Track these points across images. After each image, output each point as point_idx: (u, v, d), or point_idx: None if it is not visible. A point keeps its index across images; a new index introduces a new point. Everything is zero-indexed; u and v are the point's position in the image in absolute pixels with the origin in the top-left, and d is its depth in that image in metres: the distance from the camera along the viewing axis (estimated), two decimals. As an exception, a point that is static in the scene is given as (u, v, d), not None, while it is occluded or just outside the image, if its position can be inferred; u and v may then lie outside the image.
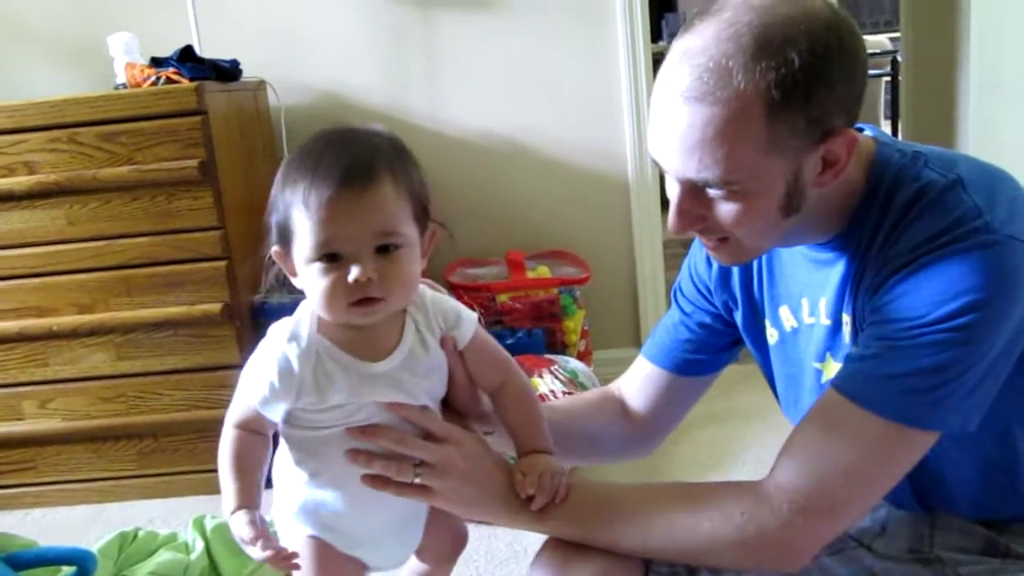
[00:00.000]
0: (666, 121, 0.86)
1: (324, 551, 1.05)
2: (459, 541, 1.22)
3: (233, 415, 1.01)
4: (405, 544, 1.12)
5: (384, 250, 0.91)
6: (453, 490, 0.98)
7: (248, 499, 0.98)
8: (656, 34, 4.51)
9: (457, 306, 1.05)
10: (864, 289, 0.93)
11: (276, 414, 0.99)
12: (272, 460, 1.10)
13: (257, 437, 1.02)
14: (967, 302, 0.82)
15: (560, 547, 1.01)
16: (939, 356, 0.83)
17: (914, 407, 0.84)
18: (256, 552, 0.95)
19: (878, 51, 5.43)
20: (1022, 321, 0.85)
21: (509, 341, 2.44)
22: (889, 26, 6.45)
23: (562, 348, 2.49)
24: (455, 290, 2.56)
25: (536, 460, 1.01)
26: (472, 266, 2.65)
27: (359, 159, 0.91)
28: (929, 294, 0.84)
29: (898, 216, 0.90)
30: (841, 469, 0.85)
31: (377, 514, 1.05)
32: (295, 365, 0.96)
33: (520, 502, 0.98)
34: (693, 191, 0.89)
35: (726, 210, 0.88)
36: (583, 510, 0.99)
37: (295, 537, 1.06)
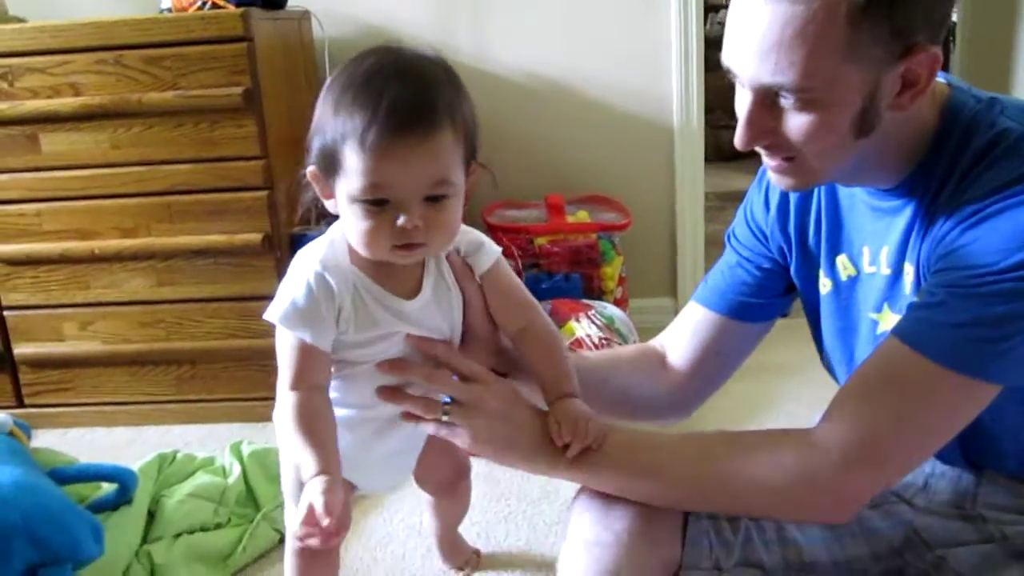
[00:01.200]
0: (744, 21, 0.84)
1: None
2: (460, 471, 1.25)
3: (286, 375, 0.98)
4: (397, 470, 1.15)
5: (434, 199, 0.91)
6: (484, 429, 0.97)
7: (327, 465, 0.92)
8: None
9: (480, 236, 1.05)
10: (930, 237, 0.90)
11: (327, 342, 0.97)
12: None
13: (319, 395, 0.98)
14: None
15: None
16: (1006, 306, 0.81)
17: (977, 357, 0.82)
18: (300, 531, 0.88)
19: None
20: None
21: (546, 285, 2.43)
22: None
23: (599, 294, 2.48)
24: (493, 231, 2.54)
25: (569, 405, 1.00)
26: (511, 208, 2.63)
27: (422, 98, 0.88)
28: (999, 242, 0.82)
29: (971, 163, 0.87)
30: (897, 419, 0.84)
31: (377, 444, 1.07)
32: (335, 286, 0.96)
33: (555, 448, 0.97)
34: (765, 100, 0.87)
35: (798, 122, 0.86)
36: (622, 457, 0.97)
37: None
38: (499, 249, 1.06)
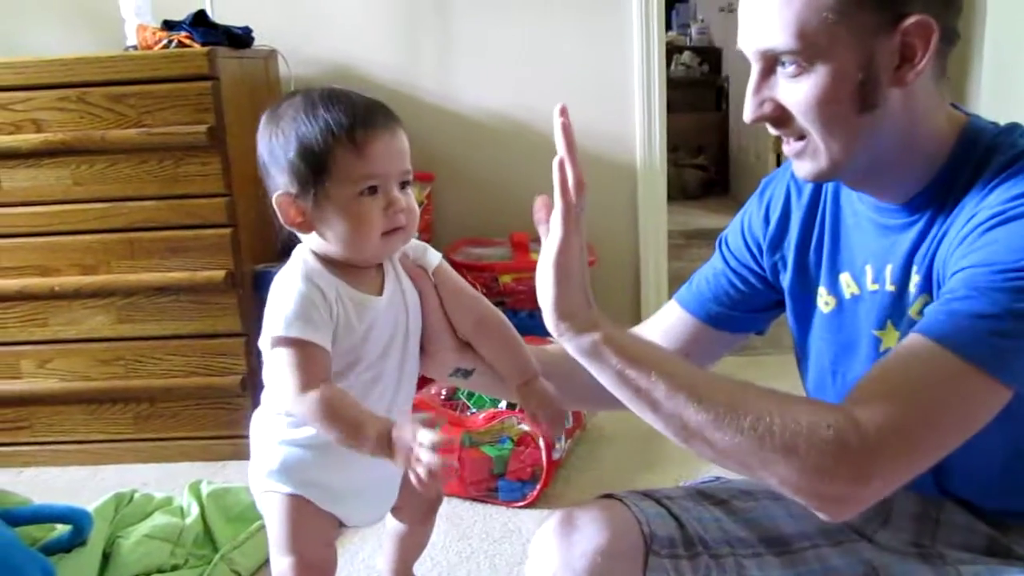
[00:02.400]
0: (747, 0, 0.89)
1: (303, 508, 1.07)
2: (436, 500, 1.25)
3: (297, 382, 0.98)
4: (383, 500, 1.16)
5: (403, 185, 1.03)
6: None
7: (378, 418, 0.95)
8: (667, 24, 4.49)
9: (421, 242, 1.14)
10: (946, 244, 0.90)
11: (328, 341, 1.00)
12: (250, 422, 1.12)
13: (332, 384, 1.00)
14: None
15: (564, 521, 1.00)
16: None
17: (997, 353, 0.80)
18: (425, 455, 0.89)
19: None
20: None
21: (512, 322, 2.44)
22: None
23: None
24: (458, 269, 2.54)
25: (536, 387, 1.07)
26: (476, 246, 2.65)
27: (380, 104, 1.03)
28: (1021, 241, 0.82)
29: (993, 175, 0.89)
30: (921, 408, 0.81)
31: (360, 469, 1.07)
32: (323, 290, 1.01)
33: None
34: (766, 71, 0.89)
35: (796, 88, 0.87)
36: (663, 363, 0.89)
37: (271, 500, 1.07)
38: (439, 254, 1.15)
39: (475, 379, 1.16)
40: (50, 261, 2.19)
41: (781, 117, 0.91)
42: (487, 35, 2.69)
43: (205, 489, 1.80)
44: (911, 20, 0.84)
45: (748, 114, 0.92)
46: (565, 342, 0.90)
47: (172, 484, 2.10)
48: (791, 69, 0.87)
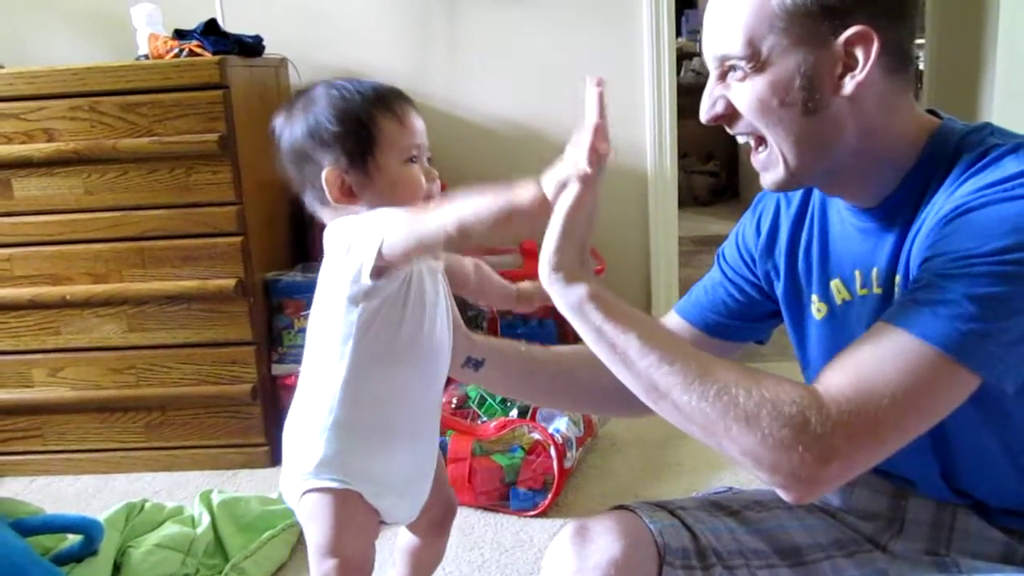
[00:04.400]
0: (708, 11, 0.96)
1: (351, 503, 1.08)
2: (450, 510, 1.29)
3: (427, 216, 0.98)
4: (420, 495, 1.18)
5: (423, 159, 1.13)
6: None
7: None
8: (677, 30, 4.48)
9: None
10: (920, 238, 0.92)
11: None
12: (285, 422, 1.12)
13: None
14: (1022, 239, 0.82)
15: (577, 532, 1.00)
16: (989, 288, 0.81)
17: (959, 337, 0.81)
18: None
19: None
20: None
21: (520, 330, 2.43)
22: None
23: (573, 339, 2.47)
24: (468, 277, 2.55)
25: (527, 289, 1.18)
26: (486, 253, 2.63)
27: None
28: (984, 229, 0.83)
29: (961, 172, 0.91)
30: (887, 390, 0.82)
31: (405, 457, 1.12)
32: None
33: None
34: (721, 75, 0.95)
35: (743, 89, 0.93)
36: (640, 326, 0.90)
37: (315, 500, 1.07)
38: None
39: (486, 371, 1.20)
40: (62, 270, 2.20)
41: (732, 115, 0.96)
42: (497, 42, 2.69)
43: (216, 498, 1.79)
44: (852, 30, 0.88)
45: (703, 113, 0.98)
46: (553, 292, 0.92)
47: (183, 493, 2.11)
48: (740, 73, 0.93)
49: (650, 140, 2.71)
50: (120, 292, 2.19)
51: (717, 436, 0.85)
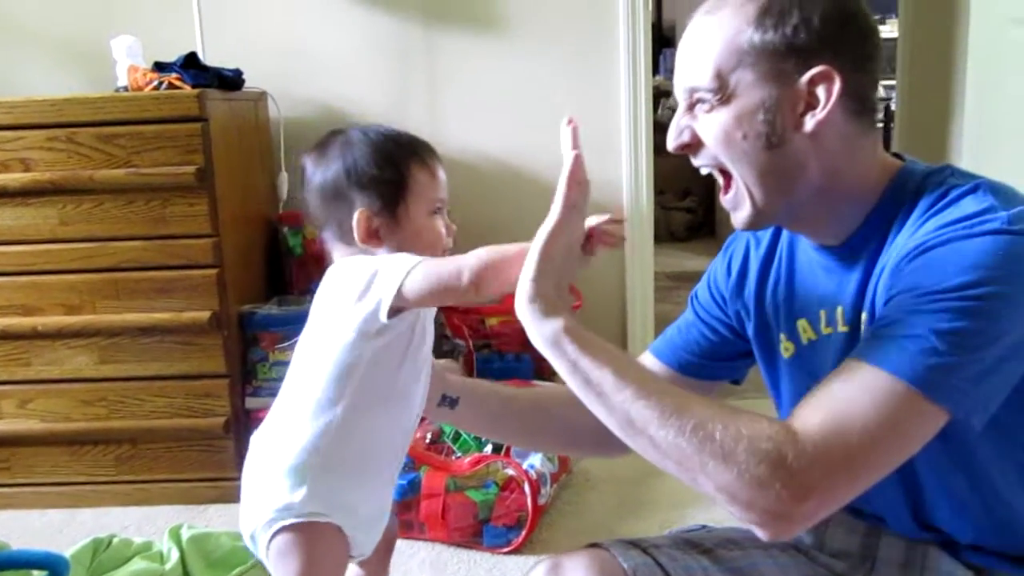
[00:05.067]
0: (680, 45, 0.98)
1: (329, 536, 1.08)
2: (394, 538, 1.32)
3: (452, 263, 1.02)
4: (381, 529, 1.19)
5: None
6: None
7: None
8: (654, 68, 4.55)
9: None
10: (884, 276, 0.93)
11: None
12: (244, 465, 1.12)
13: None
14: (984, 276, 0.83)
15: (551, 570, 1.00)
16: (952, 323, 0.82)
17: (925, 371, 0.82)
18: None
19: (872, 97, 5.51)
20: None
21: (497, 365, 2.43)
22: (883, 73, 6.54)
23: (550, 374, 2.48)
24: (446, 311, 2.55)
25: None
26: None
27: None
28: (947, 265, 0.85)
29: (922, 212, 0.93)
30: (859, 425, 0.83)
31: (379, 488, 1.15)
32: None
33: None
34: (689, 106, 0.97)
35: (708, 122, 0.95)
36: (614, 361, 0.90)
37: (292, 536, 1.06)
38: None
39: (461, 411, 1.20)
40: (34, 300, 2.18)
41: (697, 145, 0.98)
42: (476, 79, 2.72)
43: (185, 534, 1.77)
44: (816, 70, 0.91)
45: (670, 141, 1.00)
46: (528, 323, 0.92)
47: (152, 528, 2.07)
48: (707, 105, 0.95)
49: (627, 176, 2.73)
50: (93, 324, 2.17)
51: (693, 472, 0.84)
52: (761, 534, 0.84)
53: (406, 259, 1.03)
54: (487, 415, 1.23)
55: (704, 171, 1.02)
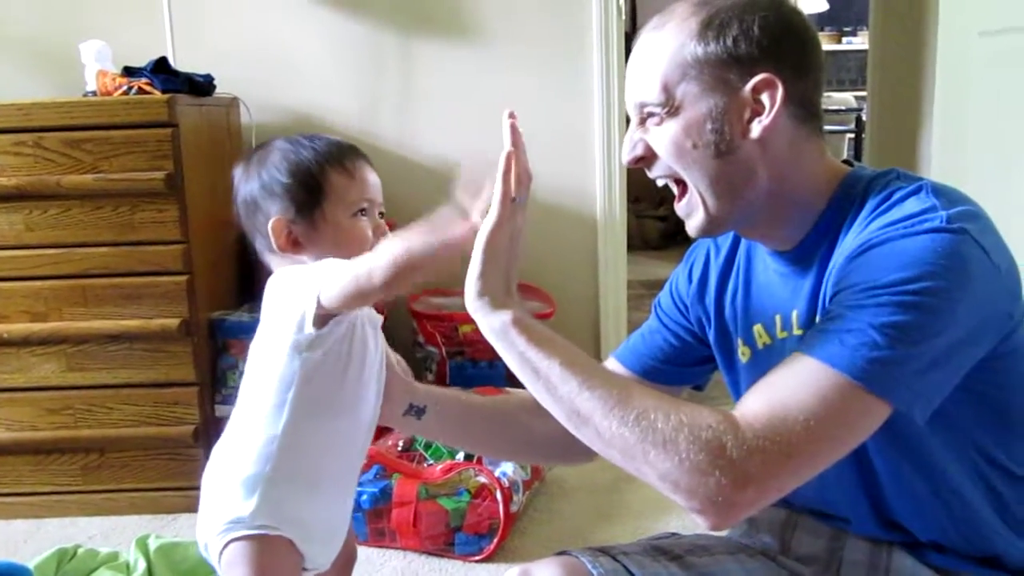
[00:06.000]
0: (631, 57, 1.01)
1: (280, 550, 1.07)
2: (353, 555, 1.30)
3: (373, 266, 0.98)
4: (338, 543, 1.18)
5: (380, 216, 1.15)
6: None
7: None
8: (629, 77, 4.58)
9: None
10: (832, 277, 0.95)
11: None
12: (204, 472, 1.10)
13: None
14: (922, 272, 0.85)
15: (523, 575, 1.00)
16: (893, 317, 0.84)
17: (864, 364, 0.84)
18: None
19: (843, 108, 5.56)
20: (972, 332, 0.87)
21: (471, 371, 2.43)
22: (854, 84, 6.61)
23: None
24: (419, 318, 2.54)
25: None
26: (436, 295, 2.64)
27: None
28: (886, 262, 0.87)
29: (868, 213, 0.95)
30: (800, 416, 0.84)
31: (333, 502, 1.13)
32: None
33: None
34: (641, 120, 1.00)
35: (659, 133, 0.98)
36: (560, 349, 0.92)
37: (243, 548, 1.05)
38: None
39: (428, 420, 1.20)
40: (-1, 307, 2.15)
41: (650, 158, 1.01)
42: (449, 87, 2.71)
43: (153, 544, 1.75)
44: (758, 77, 0.94)
45: (624, 155, 1.03)
46: (478, 318, 0.94)
47: (119, 538, 2.05)
48: (657, 118, 0.98)
49: (600, 184, 2.74)
50: (60, 331, 2.14)
51: (636, 461, 0.86)
52: (703, 521, 0.86)
53: (324, 266, 1.03)
54: (453, 424, 1.23)
55: (660, 183, 1.04)
